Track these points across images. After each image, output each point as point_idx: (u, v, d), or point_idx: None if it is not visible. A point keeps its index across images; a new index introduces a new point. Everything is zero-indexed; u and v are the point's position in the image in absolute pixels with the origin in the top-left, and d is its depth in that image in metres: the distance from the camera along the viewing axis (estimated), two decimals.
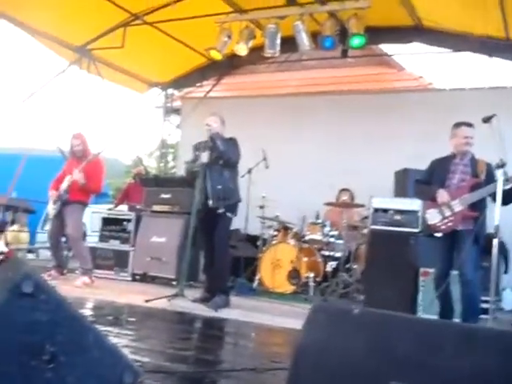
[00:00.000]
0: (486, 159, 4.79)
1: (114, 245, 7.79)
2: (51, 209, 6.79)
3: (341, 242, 7.25)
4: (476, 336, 1.39)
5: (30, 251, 10.71)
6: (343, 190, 7.93)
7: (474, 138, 4.82)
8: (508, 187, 4.39)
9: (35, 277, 1.74)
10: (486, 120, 4.40)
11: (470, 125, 4.84)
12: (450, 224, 4.74)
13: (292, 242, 7.36)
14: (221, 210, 5.59)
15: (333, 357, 1.53)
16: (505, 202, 4.44)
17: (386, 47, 10.12)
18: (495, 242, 4.26)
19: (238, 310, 5.56)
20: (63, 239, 7.13)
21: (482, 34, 7.75)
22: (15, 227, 10.90)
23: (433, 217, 4.84)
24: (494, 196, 4.38)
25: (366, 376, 1.44)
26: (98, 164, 6.82)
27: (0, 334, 1.62)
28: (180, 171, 10.22)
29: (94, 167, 6.70)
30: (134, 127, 15.45)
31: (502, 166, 4.33)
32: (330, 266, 7.27)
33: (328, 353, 1.54)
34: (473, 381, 1.32)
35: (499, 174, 4.31)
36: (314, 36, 6.94)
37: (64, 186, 6.62)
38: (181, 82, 10.88)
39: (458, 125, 4.90)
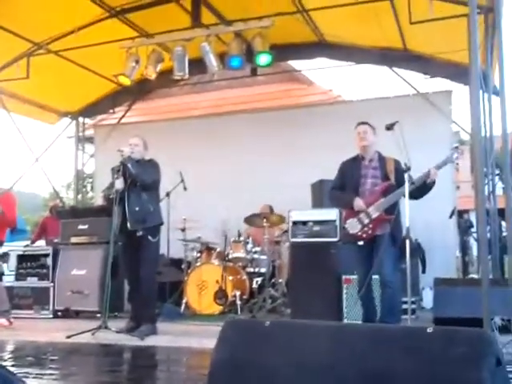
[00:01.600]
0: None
1: (32, 282, 7.50)
2: None
3: (264, 257, 7.31)
4: (382, 335, 1.44)
5: None
6: (264, 205, 7.99)
7: (370, 136, 5.02)
8: (415, 187, 4.63)
9: None
10: (389, 127, 4.60)
11: (362, 123, 5.08)
12: (369, 231, 4.88)
13: (216, 261, 7.35)
14: (140, 233, 5.51)
15: (247, 370, 1.54)
16: (415, 198, 4.67)
17: (294, 63, 10.41)
18: (407, 242, 4.43)
19: (167, 336, 5.48)
20: None
21: (382, 47, 8.12)
22: None
23: (352, 226, 4.95)
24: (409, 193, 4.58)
25: None
26: (10, 197, 6.60)
27: None
28: (98, 201, 10.01)
29: (7, 200, 6.47)
30: (49, 159, 15.00)
31: (406, 170, 4.55)
32: (256, 282, 7.32)
33: (242, 367, 1.54)
34: (379, 379, 1.37)
35: (405, 178, 4.50)
36: (222, 56, 7.02)
37: None
38: (92, 109, 10.70)
39: (355, 127, 5.12)
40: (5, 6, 7.09)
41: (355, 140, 5.08)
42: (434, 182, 4.76)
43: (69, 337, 5.14)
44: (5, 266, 8.56)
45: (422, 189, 4.76)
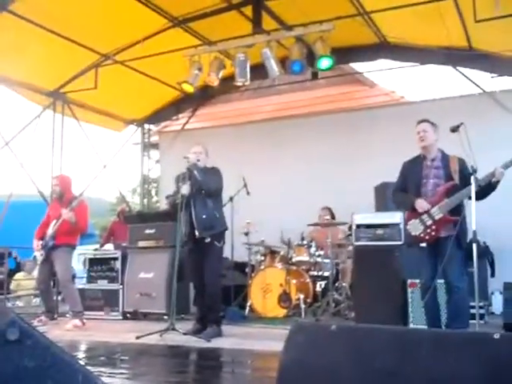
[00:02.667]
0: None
1: (103, 285, 7.76)
2: (38, 255, 6.80)
3: (328, 261, 7.29)
4: (447, 341, 1.44)
5: (36, 296, 10.67)
6: (323, 208, 8.00)
7: (430, 134, 4.88)
8: (482, 186, 4.49)
9: (20, 323, 1.76)
10: (454, 129, 4.50)
11: (421, 121, 4.96)
12: (433, 233, 4.74)
13: (280, 265, 7.39)
14: (208, 240, 5.63)
15: (314, 373, 1.57)
16: (478, 198, 4.53)
17: (355, 65, 10.33)
18: (475, 246, 4.32)
19: (232, 339, 5.56)
20: (52, 284, 7.13)
21: (445, 46, 7.96)
22: (21, 275, 10.98)
23: (415, 228, 4.85)
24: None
25: None
26: (82, 204, 6.85)
27: None
28: (163, 205, 10.25)
29: (80, 209, 6.73)
30: (115, 165, 15.48)
31: (472, 173, 4.43)
32: (320, 285, 7.32)
33: (309, 369, 1.58)
34: None
35: (472, 181, 4.39)
36: (283, 61, 7.07)
37: (50, 232, 6.62)
38: (156, 116, 10.99)
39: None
40: (73, 19, 7.41)
41: (416, 140, 4.98)
42: (498, 182, 4.56)
43: (138, 337, 5.31)
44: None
45: (485, 189, 4.57)
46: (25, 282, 10.96)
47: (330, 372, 1.56)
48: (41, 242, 6.69)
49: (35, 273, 11.29)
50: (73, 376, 1.87)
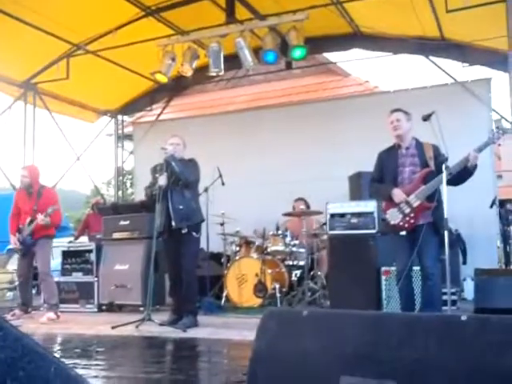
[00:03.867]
0: None
1: (77, 277, 7.71)
2: (18, 250, 6.74)
3: (303, 250, 7.34)
4: (416, 323, 1.47)
5: (9, 290, 10.54)
6: (298, 199, 8.04)
7: (404, 123, 4.89)
8: (454, 174, 4.54)
9: None
10: (426, 118, 4.55)
11: (394, 110, 4.96)
12: (411, 221, 4.76)
13: (255, 255, 7.41)
14: (184, 231, 5.63)
15: (285, 359, 1.59)
16: (456, 184, 4.60)
17: (329, 55, 10.39)
18: (446, 233, 4.39)
19: (208, 329, 5.57)
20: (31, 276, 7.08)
21: (418, 36, 8.03)
22: None
23: (393, 217, 4.87)
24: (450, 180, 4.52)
25: (318, 374, 1.50)
26: (53, 197, 6.78)
27: None
28: (138, 197, 10.19)
29: (50, 201, 6.65)
30: (89, 157, 15.33)
31: (444, 160, 4.49)
32: (295, 275, 7.36)
33: (281, 355, 1.60)
34: (416, 367, 1.40)
35: (443, 168, 4.45)
36: (257, 51, 7.06)
37: (26, 231, 6.54)
38: (130, 107, 10.90)
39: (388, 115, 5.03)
40: (44, 8, 7.29)
41: (389, 129, 5.00)
42: (475, 166, 4.57)
43: (114, 327, 5.30)
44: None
45: (462, 174, 4.60)
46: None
47: (301, 357, 1.58)
48: (18, 237, 6.62)
49: (8, 267, 11.19)
50: (45, 367, 1.86)
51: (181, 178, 5.64)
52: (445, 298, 4.99)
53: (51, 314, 6.46)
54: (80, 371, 3.37)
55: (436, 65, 8.52)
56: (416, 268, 4.97)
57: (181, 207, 5.65)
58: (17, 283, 7.39)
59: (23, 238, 6.57)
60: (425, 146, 4.88)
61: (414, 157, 4.90)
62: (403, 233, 4.85)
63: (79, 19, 7.68)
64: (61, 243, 8.99)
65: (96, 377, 3.43)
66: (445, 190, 4.46)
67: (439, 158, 4.67)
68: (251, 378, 1.63)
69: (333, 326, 1.58)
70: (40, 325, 6.10)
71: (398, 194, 4.81)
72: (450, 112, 7.06)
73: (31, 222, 6.55)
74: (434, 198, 4.67)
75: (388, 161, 5.03)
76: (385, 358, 1.44)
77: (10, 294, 10.14)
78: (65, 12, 7.46)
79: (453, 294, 5.45)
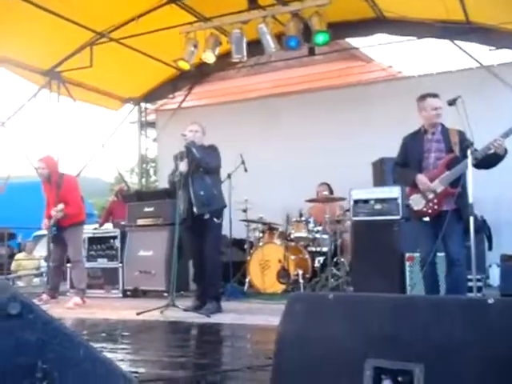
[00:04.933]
0: None
1: (102, 263, 7.81)
2: (48, 234, 6.85)
3: (326, 236, 7.33)
4: (442, 306, 1.47)
5: (36, 276, 10.77)
6: (321, 183, 8.02)
7: (442, 108, 4.77)
8: (480, 159, 4.47)
9: (21, 298, 1.78)
10: (452, 102, 4.48)
11: (435, 95, 4.80)
12: (435, 207, 4.71)
13: (278, 241, 7.43)
14: (206, 216, 5.64)
15: (311, 342, 1.59)
16: (487, 167, 4.54)
17: (352, 41, 10.27)
18: (471, 219, 4.34)
19: (231, 314, 5.61)
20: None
21: (442, 19, 7.90)
22: (21, 255, 11.07)
23: (417, 202, 4.82)
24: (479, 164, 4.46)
25: (344, 356, 1.51)
26: (73, 185, 6.84)
27: None
28: (161, 184, 10.27)
29: (70, 190, 6.73)
30: (113, 145, 15.46)
31: (470, 145, 4.43)
32: (318, 261, 7.37)
33: (307, 339, 1.61)
34: (443, 349, 1.40)
35: (468, 154, 4.39)
36: (280, 37, 7.03)
37: (52, 221, 6.61)
38: (153, 95, 10.94)
39: (423, 97, 4.86)
40: None
41: (425, 113, 4.81)
42: (506, 151, 4.48)
43: (139, 313, 5.36)
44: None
45: (490, 159, 4.52)
46: (25, 263, 11.06)
47: (327, 340, 1.58)
48: (47, 222, 6.71)
49: (35, 253, 11.40)
50: (74, 349, 1.90)
51: (201, 164, 5.65)
52: (470, 284, 4.94)
53: (77, 300, 6.56)
54: (106, 354, 3.43)
55: (461, 49, 8.38)
56: (440, 254, 4.92)
57: (202, 193, 5.66)
58: (44, 269, 7.50)
59: (51, 225, 6.67)
60: (450, 131, 4.80)
61: (439, 142, 4.82)
62: (426, 219, 4.81)
63: (102, 7, 7.71)
64: (86, 230, 9.11)
65: (122, 360, 3.48)
66: (470, 175, 4.39)
67: (464, 144, 4.60)
68: (277, 361, 1.64)
69: (359, 310, 1.58)
70: (66, 310, 6.20)
71: (422, 179, 4.75)
72: (475, 97, 6.95)
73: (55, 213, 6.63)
74: (458, 184, 4.60)
75: (413, 146, 4.96)
76: (411, 341, 1.45)
77: (36, 280, 10.34)
78: (88, 0, 7.50)
79: (478, 280, 5.39)
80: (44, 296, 6.78)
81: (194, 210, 5.65)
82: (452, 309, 1.44)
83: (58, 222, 6.58)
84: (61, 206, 6.49)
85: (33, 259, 11.15)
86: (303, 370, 1.57)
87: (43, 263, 10.26)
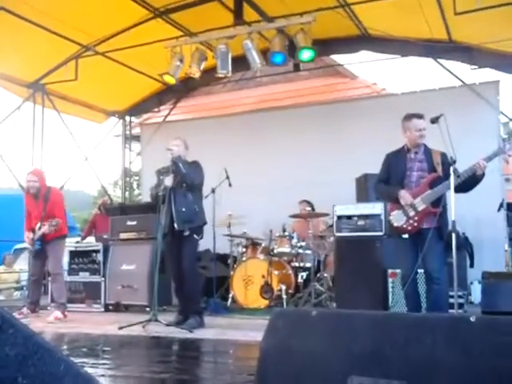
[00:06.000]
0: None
1: (84, 277, 7.74)
2: (30, 248, 6.78)
3: (309, 252, 7.34)
4: (425, 324, 1.48)
5: (16, 290, 10.65)
6: (302, 201, 8.03)
7: (426, 129, 4.85)
8: (463, 179, 4.54)
9: (1, 312, 1.76)
10: (434, 120, 4.55)
11: (420, 116, 4.87)
12: (415, 224, 4.78)
13: (261, 256, 7.42)
14: (186, 233, 5.64)
15: (295, 358, 1.59)
16: (464, 191, 4.60)
17: (337, 57, 10.37)
18: (454, 236, 4.38)
19: (214, 329, 5.58)
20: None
21: (426, 38, 8.02)
22: (1, 268, 10.93)
23: (397, 218, 4.88)
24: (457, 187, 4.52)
25: (326, 373, 1.51)
26: (60, 200, 6.80)
27: None
28: (145, 198, 10.23)
29: (57, 205, 6.68)
30: (97, 157, 15.39)
31: (452, 163, 4.48)
32: (301, 276, 7.36)
33: (290, 355, 1.60)
34: (425, 367, 1.41)
35: (451, 172, 4.44)
36: (265, 53, 7.07)
37: (37, 235, 6.55)
38: (138, 108, 10.93)
39: (408, 117, 4.92)
40: (53, 9, 7.33)
41: (409, 133, 4.89)
42: (483, 175, 4.61)
43: (121, 328, 5.31)
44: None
45: (470, 182, 4.62)
46: (5, 276, 10.92)
47: (310, 357, 1.58)
48: (31, 235, 6.64)
49: (16, 266, 11.27)
50: (55, 364, 1.88)
51: (186, 180, 5.65)
52: (452, 301, 4.97)
53: (58, 314, 6.48)
54: (88, 370, 3.39)
55: (444, 67, 8.50)
56: (421, 271, 4.96)
57: (183, 209, 5.67)
58: (25, 282, 7.41)
59: (35, 240, 6.60)
60: (433, 152, 4.88)
61: (422, 162, 4.90)
62: (406, 236, 4.86)
63: (88, 21, 7.71)
64: (68, 243, 9.03)
65: (103, 375, 3.45)
66: (452, 192, 4.45)
67: (446, 166, 4.65)
68: (259, 377, 1.64)
69: (341, 326, 1.59)
70: (47, 324, 6.13)
71: (404, 195, 4.81)
72: (457, 114, 7.04)
73: (40, 228, 6.57)
74: (440, 203, 4.67)
75: (396, 163, 5.02)
76: (393, 358, 1.45)
77: (17, 294, 10.21)
78: (74, 13, 7.50)
79: (460, 297, 5.44)
80: (24, 310, 6.70)
81: (175, 225, 5.65)
82: (434, 326, 1.46)
83: (43, 235, 6.53)
84: (56, 221, 6.43)
85: (12, 272, 11.02)
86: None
87: (23, 276, 10.15)
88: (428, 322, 1.50)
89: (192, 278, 5.77)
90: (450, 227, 4.51)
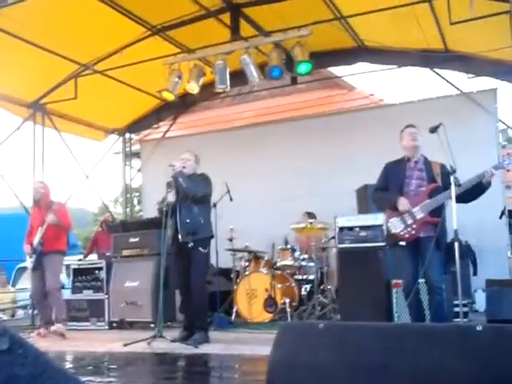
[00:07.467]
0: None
1: (88, 295, 7.73)
2: (29, 263, 6.82)
3: (312, 264, 7.34)
4: (432, 334, 1.49)
5: (19, 309, 10.61)
6: (304, 213, 8.03)
7: (419, 137, 4.97)
8: (463, 190, 4.56)
9: (10, 332, 1.77)
10: (433, 130, 4.57)
11: (413, 126, 5.04)
12: (413, 232, 4.80)
13: (264, 270, 7.41)
14: (190, 245, 5.63)
15: (303, 371, 1.60)
16: (467, 201, 4.61)
17: (334, 70, 10.43)
18: (456, 245, 4.38)
19: (219, 345, 5.57)
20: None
21: (422, 48, 8.07)
22: None
23: (395, 226, 4.90)
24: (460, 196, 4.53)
25: None
26: (62, 208, 6.90)
27: None
28: (146, 214, 10.24)
29: (60, 209, 6.77)
30: (97, 175, 15.42)
31: (452, 172, 4.50)
32: (305, 289, 7.36)
33: (298, 368, 1.61)
34: (433, 377, 1.41)
35: (451, 181, 4.46)
36: (263, 67, 7.12)
37: (37, 238, 6.63)
38: (137, 125, 10.96)
39: (403, 129, 5.10)
40: (52, 29, 7.38)
41: (404, 141, 5.03)
42: (489, 184, 4.63)
43: (126, 344, 5.30)
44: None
45: (476, 191, 4.63)
46: (0, 296, 10.87)
47: (318, 369, 1.59)
48: (29, 247, 6.70)
49: (9, 286, 11.26)
50: (64, 382, 1.88)
51: (188, 194, 5.67)
52: (456, 310, 4.98)
53: (60, 325, 6.53)
54: None
55: (441, 76, 8.55)
56: (422, 280, 4.96)
57: (187, 221, 5.68)
58: (27, 301, 7.42)
59: (35, 246, 6.65)
60: (433, 163, 4.94)
61: (421, 171, 4.94)
62: (403, 243, 4.87)
63: (87, 40, 7.76)
64: (70, 261, 9.03)
65: None
66: (453, 200, 4.46)
67: (446, 177, 4.67)
68: None
69: (349, 338, 1.60)
70: (52, 343, 6.12)
71: (403, 202, 4.83)
72: (456, 123, 7.07)
73: (42, 228, 6.63)
74: (438, 213, 4.69)
75: (395, 172, 5.06)
76: (401, 369, 1.46)
77: (20, 313, 10.17)
78: (72, 33, 7.55)
79: (464, 305, 5.43)
80: (42, 330, 6.72)
81: (179, 237, 5.66)
82: (441, 336, 1.46)
83: (41, 243, 6.58)
84: (52, 216, 6.51)
85: (7, 292, 10.97)
86: None
87: (23, 296, 10.13)
88: (435, 333, 1.50)
89: (200, 294, 5.74)
90: (451, 236, 4.52)
